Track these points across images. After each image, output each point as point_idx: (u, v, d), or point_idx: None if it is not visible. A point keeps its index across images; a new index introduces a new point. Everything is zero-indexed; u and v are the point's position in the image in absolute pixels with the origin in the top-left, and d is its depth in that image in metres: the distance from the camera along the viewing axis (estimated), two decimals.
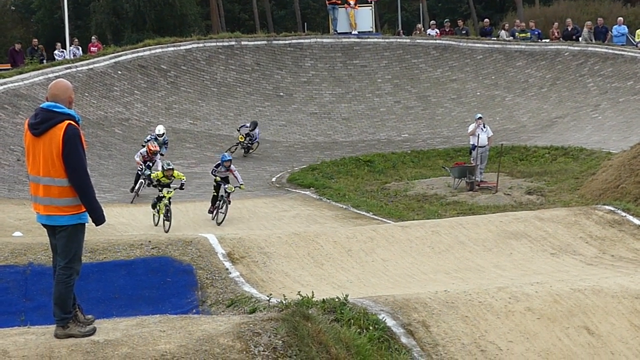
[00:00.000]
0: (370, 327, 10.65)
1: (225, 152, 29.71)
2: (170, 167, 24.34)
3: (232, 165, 25.17)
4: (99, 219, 9.09)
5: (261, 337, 9.20)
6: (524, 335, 11.22)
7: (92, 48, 43.51)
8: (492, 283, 14.16)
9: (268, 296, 12.56)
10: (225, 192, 24.40)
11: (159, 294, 14.03)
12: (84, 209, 9.04)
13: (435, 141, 37.16)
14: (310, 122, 39.92)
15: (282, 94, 41.47)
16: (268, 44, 43.47)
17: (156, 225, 23.56)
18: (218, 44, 42.92)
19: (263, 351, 9.03)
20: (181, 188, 24.37)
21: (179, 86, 40.24)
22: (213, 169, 25.13)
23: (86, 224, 9.16)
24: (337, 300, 11.25)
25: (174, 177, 24.25)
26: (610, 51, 41.55)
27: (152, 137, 30.61)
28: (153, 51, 41.14)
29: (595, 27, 43.89)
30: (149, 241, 15.42)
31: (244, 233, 18.73)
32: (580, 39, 43.54)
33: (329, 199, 26.84)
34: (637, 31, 43.81)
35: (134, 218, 24.24)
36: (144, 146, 29.12)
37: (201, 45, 42.55)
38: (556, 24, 46.42)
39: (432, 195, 27.20)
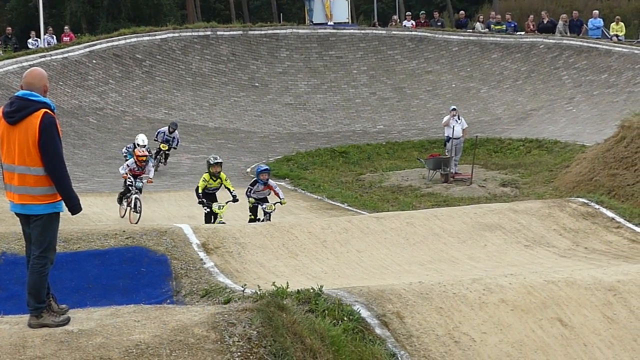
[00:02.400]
0: (345, 318, 10.65)
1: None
2: (219, 160, 20.68)
3: (270, 180, 21.13)
4: (75, 208, 9.05)
5: (236, 327, 9.20)
6: (498, 327, 11.26)
7: (64, 38, 43.24)
8: (466, 275, 14.20)
9: (243, 287, 12.54)
10: (265, 213, 20.67)
11: (133, 284, 13.99)
12: (59, 198, 9.00)
13: (410, 133, 37.21)
14: (286, 113, 39.88)
15: (257, 84, 41.41)
16: (244, 34, 43.38)
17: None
18: (193, 33, 42.80)
19: (238, 341, 9.03)
20: (234, 200, 20.47)
21: (154, 76, 40.10)
22: (248, 189, 20.85)
23: (61, 213, 9.13)
24: (311, 291, 11.25)
25: (221, 178, 20.66)
26: (585, 44, 41.72)
27: (129, 148, 27.65)
28: (128, 40, 40.97)
29: (570, 20, 44.05)
30: (124, 231, 15.37)
31: (219, 224, 18.71)
32: (555, 31, 43.67)
33: (303, 190, 26.86)
34: (612, 25, 44.02)
35: (108, 207, 24.13)
36: (126, 157, 26.78)
37: (177, 34, 42.41)
38: (532, 16, 46.55)
39: (406, 186, 27.25)
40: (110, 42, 40.53)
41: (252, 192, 20.71)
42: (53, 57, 37.98)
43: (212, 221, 19.99)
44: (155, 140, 30.60)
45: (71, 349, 8.59)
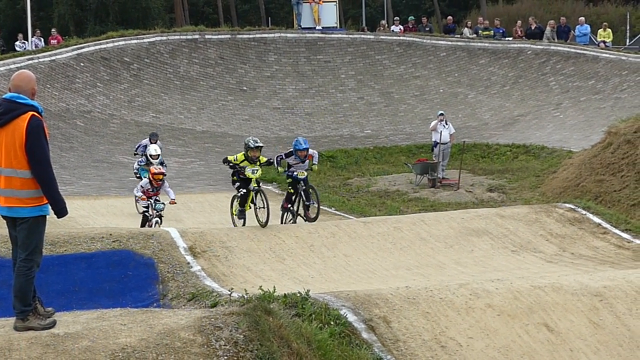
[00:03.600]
0: (332, 323, 10.66)
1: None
2: (259, 144, 18.30)
3: (310, 150, 19.19)
4: (61, 211, 9.04)
5: (222, 331, 9.19)
6: (484, 332, 11.28)
7: (52, 41, 43.16)
8: (453, 279, 14.22)
9: (229, 290, 12.55)
10: (300, 179, 18.68)
11: (119, 287, 13.98)
12: (46, 201, 8.98)
13: (398, 137, 37.22)
14: (273, 117, 39.86)
15: (245, 88, 41.38)
16: (232, 38, 43.35)
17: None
18: (182, 37, 42.75)
19: (224, 345, 9.02)
20: (268, 163, 18.56)
21: (142, 79, 40.04)
22: (279, 157, 18.91)
23: (47, 216, 9.11)
24: (298, 295, 11.26)
25: (260, 160, 18.36)
26: (573, 50, 41.82)
27: (141, 162, 25.22)
28: (116, 43, 40.89)
29: (558, 26, 44.14)
30: (110, 234, 15.35)
31: (206, 227, 18.68)
32: (543, 37, 43.78)
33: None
34: (599, 31, 44.18)
35: (95, 211, 24.10)
36: (138, 175, 24.73)
37: (164, 38, 42.36)
38: (519, 22, 46.64)
39: (394, 191, 27.27)
40: (98, 45, 40.45)
41: (281, 159, 18.83)
42: (41, 60, 37.89)
43: (245, 193, 18.07)
44: (135, 154, 27.37)
45: (57, 353, 8.58)
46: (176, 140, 35.61)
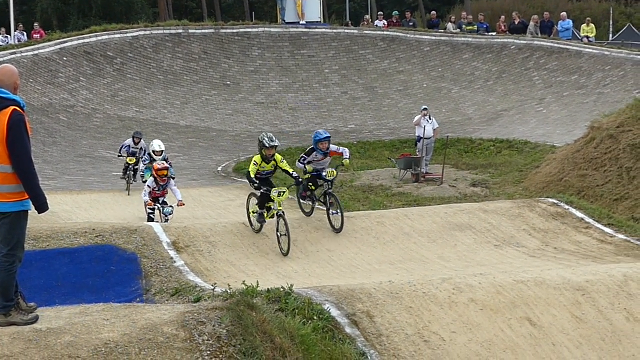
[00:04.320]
0: (315, 317, 10.66)
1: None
2: (275, 143, 16.93)
3: (332, 146, 18.20)
4: (42, 207, 9.00)
5: (205, 326, 9.18)
6: (467, 326, 11.30)
7: (34, 35, 43.01)
8: (436, 274, 14.24)
9: (213, 285, 12.55)
10: (326, 180, 17.71)
11: (102, 283, 13.95)
12: (27, 196, 8.95)
13: (382, 132, 37.24)
14: (257, 112, 39.83)
15: (229, 83, 41.34)
16: (216, 32, 43.30)
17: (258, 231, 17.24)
18: (165, 31, 42.67)
19: (207, 340, 9.02)
20: (297, 183, 17.36)
21: (126, 74, 39.96)
22: (302, 158, 17.97)
23: (29, 211, 9.08)
24: (282, 290, 11.25)
25: (276, 160, 17.03)
26: (556, 45, 41.88)
27: (146, 161, 24.25)
28: (99, 38, 40.80)
29: (541, 21, 44.21)
30: (93, 229, 15.32)
31: (189, 222, 18.66)
32: (526, 32, 43.85)
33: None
34: (583, 26, 44.27)
35: (78, 206, 24.03)
36: (145, 180, 23.17)
37: (148, 32, 42.27)
38: (503, 17, 46.69)
39: (377, 186, 27.26)
40: (82, 39, 40.34)
41: (305, 160, 17.83)
42: (23, 54, 37.76)
43: (266, 210, 16.76)
44: (119, 156, 27.26)
45: (40, 348, 8.55)
46: (159, 135, 35.49)
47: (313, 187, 17.78)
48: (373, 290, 11.74)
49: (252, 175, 16.72)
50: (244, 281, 11.53)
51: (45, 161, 30.21)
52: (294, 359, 9.43)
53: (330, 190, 17.53)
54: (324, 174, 17.61)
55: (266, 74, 42.14)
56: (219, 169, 31.04)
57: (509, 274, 13.03)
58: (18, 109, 8.89)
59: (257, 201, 16.96)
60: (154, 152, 23.65)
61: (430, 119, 28.76)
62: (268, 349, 9.24)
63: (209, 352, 8.91)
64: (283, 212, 16.46)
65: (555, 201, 19.09)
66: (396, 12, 49.94)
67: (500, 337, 11.24)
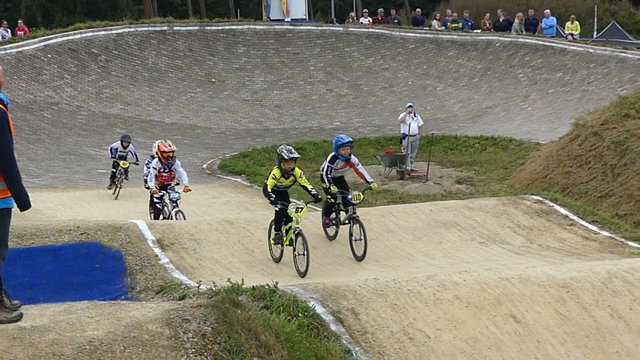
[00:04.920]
0: (300, 315, 10.66)
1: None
2: (294, 155, 15.76)
3: (352, 156, 16.86)
4: (24, 204, 8.96)
5: (190, 323, 9.17)
6: (452, 323, 11.32)
7: (18, 32, 42.86)
8: (421, 271, 14.27)
9: (198, 283, 12.53)
10: (350, 204, 16.20)
11: (87, 280, 13.91)
12: (10, 194, 8.91)
13: (367, 130, 37.26)
14: (242, 109, 39.80)
15: (214, 80, 41.30)
16: (200, 29, 43.24)
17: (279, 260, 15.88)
18: (150, 28, 42.59)
19: (192, 338, 9.01)
20: (316, 200, 15.89)
21: (110, 71, 39.87)
22: (328, 168, 16.62)
23: (12, 209, 9.05)
24: (267, 287, 11.25)
25: (295, 175, 15.94)
26: (541, 43, 42.01)
27: (149, 163, 22.16)
28: (84, 35, 40.69)
29: (526, 18, 44.32)
30: (78, 227, 15.27)
31: (174, 219, 18.63)
32: (511, 30, 43.93)
33: (260, 186, 26.80)
34: (567, 23, 44.36)
35: (63, 203, 23.97)
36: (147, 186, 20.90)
37: (133, 29, 42.19)
38: (488, 14, 46.78)
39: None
40: (66, 36, 40.24)
41: (331, 171, 16.58)
42: (7, 51, 37.64)
43: (283, 224, 15.59)
44: (112, 157, 26.87)
45: (24, 345, 8.53)
46: (144, 132, 35.47)
47: (332, 201, 16.46)
48: (358, 287, 11.75)
49: (269, 189, 15.60)
50: (228, 278, 11.53)
51: (30, 158, 30.12)
52: (278, 356, 9.42)
53: (356, 215, 16.07)
54: (350, 196, 16.09)
55: (251, 71, 42.11)
56: (204, 166, 31.00)
57: (494, 271, 13.06)
58: (1, 106, 8.85)
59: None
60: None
61: (415, 116, 28.79)
62: (253, 346, 9.23)
63: (193, 350, 8.90)
64: (301, 230, 15.26)
65: (540, 198, 19.13)
66: (381, 9, 49.96)
67: (484, 334, 11.27)
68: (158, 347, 8.82)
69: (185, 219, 18.23)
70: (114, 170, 26.44)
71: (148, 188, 20.29)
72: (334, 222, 16.49)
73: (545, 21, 43.85)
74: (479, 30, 45.18)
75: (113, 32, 41.53)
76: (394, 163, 27.92)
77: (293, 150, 15.70)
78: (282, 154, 15.54)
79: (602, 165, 22.73)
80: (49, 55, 38.86)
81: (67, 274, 14.06)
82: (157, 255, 14.67)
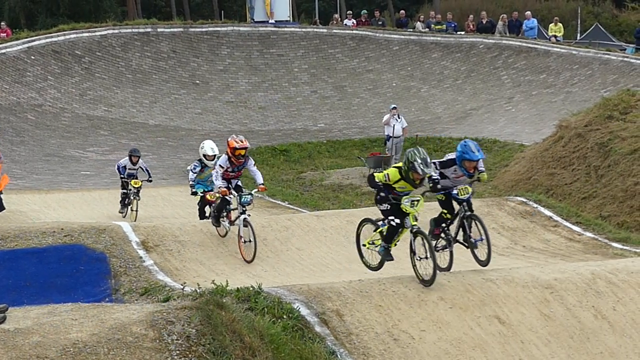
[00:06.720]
0: (284, 316, 10.67)
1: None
2: (429, 170, 12.85)
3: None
4: None
5: (174, 325, 9.16)
6: (437, 324, 11.34)
7: (1, 34, 42.69)
8: (405, 273, 14.27)
9: (182, 285, 12.52)
10: (461, 201, 13.33)
11: (71, 282, 13.89)
12: None
13: (351, 131, 37.28)
14: (227, 111, 39.75)
15: (198, 81, 41.22)
16: (184, 31, 43.15)
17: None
18: (134, 30, 42.46)
19: (176, 340, 9.00)
20: (434, 189, 13.39)
21: (94, 72, 39.74)
22: (438, 171, 13.43)
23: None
24: (251, 289, 11.25)
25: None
26: (524, 44, 42.08)
27: (196, 167, 19.93)
28: (67, 37, 40.55)
29: (509, 20, 44.40)
30: (62, 229, 15.24)
31: (159, 221, 18.61)
32: (495, 32, 44.01)
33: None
34: (550, 25, 44.47)
35: (47, 205, 23.88)
36: (192, 184, 19.80)
37: (116, 31, 42.06)
38: (471, 16, 46.80)
39: (347, 185, 27.31)
40: (49, 38, 40.08)
41: (439, 177, 13.33)
42: None
43: (397, 226, 12.79)
44: (121, 177, 24.03)
45: (7, 348, 8.50)
46: (128, 134, 35.39)
47: (449, 215, 13.50)
48: (342, 289, 11.75)
49: (377, 180, 12.91)
50: (213, 280, 11.53)
51: (13, 160, 30.01)
52: (263, 357, 9.42)
53: (469, 213, 13.32)
54: (455, 192, 13.24)
55: (235, 72, 42.05)
56: (188, 167, 30.91)
57: (478, 272, 13.07)
58: None
59: (374, 227, 13.35)
60: (206, 156, 19.64)
61: (399, 118, 28.85)
62: (237, 348, 9.23)
63: (178, 352, 8.89)
64: (420, 228, 12.70)
65: (524, 199, 19.17)
66: (365, 11, 49.93)
67: (469, 335, 11.29)
68: (142, 349, 8.81)
69: (253, 232, 15.83)
70: (124, 191, 23.72)
71: (194, 194, 19.33)
72: (444, 234, 13.57)
73: (527, 23, 43.90)
74: (462, 32, 45.23)
75: (97, 33, 41.38)
76: (379, 165, 27.92)
77: (429, 160, 12.75)
78: (415, 165, 12.52)
79: (585, 167, 22.80)
80: (32, 57, 38.73)
81: (51, 276, 14.04)
82: (141, 257, 14.66)
